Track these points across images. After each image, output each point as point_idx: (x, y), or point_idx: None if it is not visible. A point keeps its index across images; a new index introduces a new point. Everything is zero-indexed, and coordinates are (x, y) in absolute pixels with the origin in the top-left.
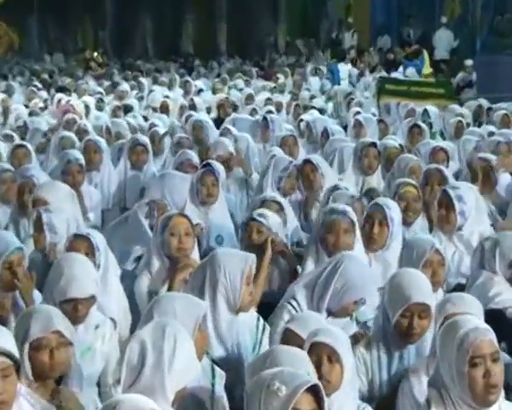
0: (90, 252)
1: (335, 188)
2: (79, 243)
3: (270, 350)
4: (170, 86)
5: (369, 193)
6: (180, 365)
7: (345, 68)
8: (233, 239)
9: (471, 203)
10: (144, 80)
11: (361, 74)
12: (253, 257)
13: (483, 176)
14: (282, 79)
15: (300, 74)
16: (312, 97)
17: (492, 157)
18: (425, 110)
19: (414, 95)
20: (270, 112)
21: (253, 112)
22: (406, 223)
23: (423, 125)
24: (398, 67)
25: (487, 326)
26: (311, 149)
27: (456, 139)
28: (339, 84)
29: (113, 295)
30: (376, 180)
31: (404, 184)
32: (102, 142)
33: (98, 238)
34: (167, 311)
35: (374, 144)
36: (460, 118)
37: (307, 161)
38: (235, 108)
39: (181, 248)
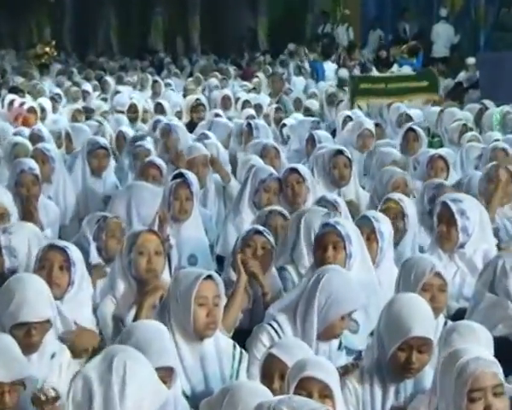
0: (65, 266)
1: (321, 200)
2: (53, 254)
3: (228, 387)
4: (137, 86)
5: (348, 207)
6: (134, 397)
7: (331, 67)
8: (208, 259)
9: (475, 218)
10: (110, 79)
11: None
12: (213, 276)
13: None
14: (260, 78)
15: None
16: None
17: None
18: (407, 115)
19: (393, 92)
20: (252, 117)
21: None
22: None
23: (419, 130)
24: (391, 65)
25: (492, 357)
26: (296, 157)
27: (459, 146)
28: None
29: (86, 317)
30: (354, 190)
31: (386, 199)
32: (53, 150)
33: (75, 253)
34: (140, 344)
35: (341, 152)
36: (464, 122)
37: (293, 170)
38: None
39: (150, 268)
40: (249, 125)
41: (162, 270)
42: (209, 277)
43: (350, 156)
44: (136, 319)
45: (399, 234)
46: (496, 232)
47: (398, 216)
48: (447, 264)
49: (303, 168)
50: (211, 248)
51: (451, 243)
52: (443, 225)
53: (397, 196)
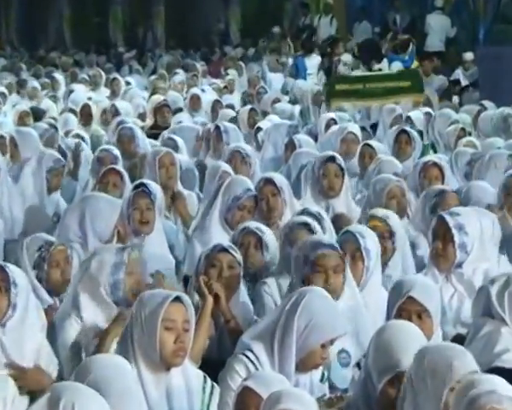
0: (3, 287)
1: (304, 213)
2: None
3: None
4: (93, 84)
5: (336, 221)
6: None
7: (313, 63)
8: (173, 277)
9: (474, 234)
10: (60, 76)
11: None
12: (182, 298)
13: None
14: (232, 75)
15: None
16: (276, 101)
17: None
18: (408, 117)
19: (372, 93)
20: (234, 119)
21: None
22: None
23: (413, 132)
24: (380, 60)
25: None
26: (271, 166)
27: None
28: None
29: (31, 344)
30: (345, 202)
31: (370, 217)
32: None
33: (17, 272)
34: (99, 383)
35: (333, 159)
36: (461, 125)
37: (268, 181)
38: (175, 112)
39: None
40: (218, 128)
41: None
42: (178, 299)
43: (342, 164)
44: (96, 351)
45: (387, 255)
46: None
47: (384, 235)
48: (443, 285)
49: (279, 178)
50: (177, 266)
51: (448, 261)
52: (438, 242)
53: (381, 212)
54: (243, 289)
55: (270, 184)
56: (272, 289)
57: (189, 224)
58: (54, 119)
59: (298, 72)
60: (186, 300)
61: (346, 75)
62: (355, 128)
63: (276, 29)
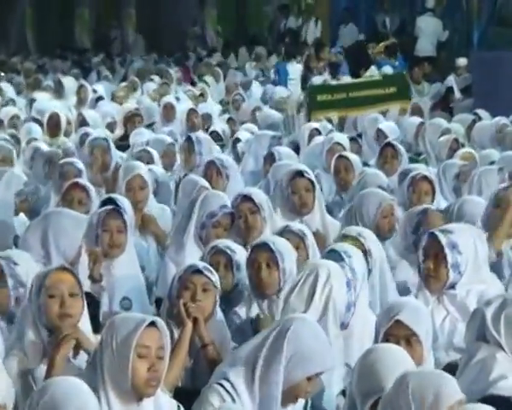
0: None
1: (285, 232)
2: None
3: None
4: (57, 92)
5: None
6: None
7: (295, 69)
8: (144, 302)
9: (468, 253)
10: (5, 86)
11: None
12: (157, 323)
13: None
14: (208, 82)
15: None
16: (256, 110)
17: None
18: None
19: (357, 102)
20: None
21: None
22: None
23: (399, 146)
24: (368, 66)
25: None
26: (252, 180)
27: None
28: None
29: None
30: (319, 219)
31: (343, 236)
32: None
33: None
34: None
35: (300, 173)
36: (454, 136)
37: (246, 198)
38: (149, 125)
39: (64, 314)
40: (189, 138)
41: (79, 315)
42: (152, 324)
43: (312, 178)
44: (47, 376)
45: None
46: (499, 269)
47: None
48: (435, 308)
49: (258, 194)
50: (149, 288)
51: (440, 282)
52: (430, 262)
53: (354, 230)
54: (220, 313)
55: (248, 200)
56: (241, 316)
57: (163, 243)
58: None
59: (279, 78)
60: (161, 325)
61: (327, 84)
62: (342, 139)
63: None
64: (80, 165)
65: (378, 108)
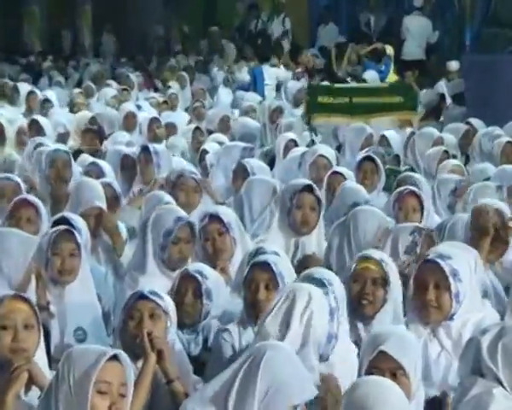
0: None
1: (258, 253)
2: None
3: None
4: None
5: (306, 262)
6: None
7: (271, 72)
8: (101, 333)
9: (467, 280)
10: None
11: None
12: (120, 357)
13: (493, 238)
14: (174, 89)
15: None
16: (225, 119)
17: (507, 210)
18: (383, 136)
19: (360, 109)
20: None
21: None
22: (365, 317)
23: (378, 160)
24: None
25: None
26: (220, 196)
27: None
28: (262, 95)
29: None
30: (316, 241)
31: (363, 258)
32: None
33: None
34: None
35: (310, 187)
36: (443, 147)
37: (213, 218)
38: (100, 128)
39: (16, 348)
40: (145, 149)
41: (34, 348)
42: (114, 357)
43: (320, 196)
44: None
45: (375, 305)
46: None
47: (377, 281)
48: (429, 342)
49: (226, 213)
50: (106, 318)
51: (442, 314)
52: (431, 292)
53: (377, 254)
54: (179, 343)
55: (216, 221)
56: (234, 337)
57: (119, 249)
58: None
59: (255, 83)
60: (124, 359)
61: (330, 86)
62: (327, 151)
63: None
64: (17, 179)
65: (383, 117)
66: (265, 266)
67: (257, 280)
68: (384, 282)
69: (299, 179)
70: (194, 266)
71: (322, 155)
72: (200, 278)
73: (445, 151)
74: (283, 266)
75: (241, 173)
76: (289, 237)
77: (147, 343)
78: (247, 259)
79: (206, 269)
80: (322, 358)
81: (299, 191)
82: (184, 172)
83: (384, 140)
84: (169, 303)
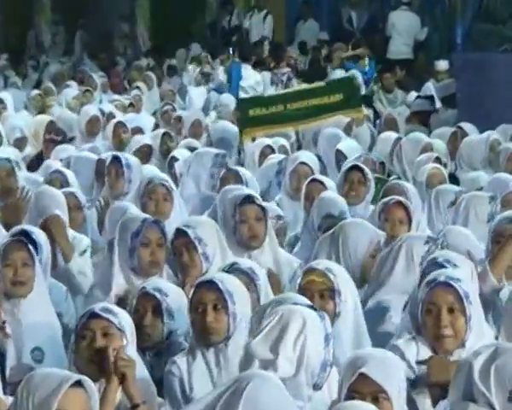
0: None
1: (233, 270)
2: None
3: None
4: None
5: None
6: None
7: (250, 73)
8: (61, 354)
9: (477, 301)
10: None
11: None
12: (83, 382)
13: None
14: (140, 90)
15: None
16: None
17: None
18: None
19: (297, 115)
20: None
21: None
22: None
23: (367, 170)
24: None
25: None
26: (192, 206)
27: (428, 189)
28: (236, 96)
29: None
30: (271, 255)
31: (308, 270)
32: None
33: None
34: None
35: (250, 198)
36: (435, 154)
37: (180, 233)
38: (64, 138)
39: None
40: (117, 160)
41: None
42: (78, 383)
43: (263, 204)
44: None
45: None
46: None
47: (324, 294)
48: None
49: (198, 226)
50: (67, 337)
51: (457, 342)
52: (444, 317)
53: (322, 264)
54: (142, 365)
55: (183, 235)
56: (182, 369)
57: (67, 258)
58: None
59: (231, 82)
60: (88, 385)
61: (260, 96)
62: (309, 158)
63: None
64: None
65: (323, 120)
66: (211, 285)
67: (203, 301)
68: (332, 293)
69: (237, 191)
70: (152, 283)
71: (303, 163)
72: (159, 295)
73: (437, 158)
74: (232, 284)
75: (231, 181)
76: (240, 253)
77: (110, 366)
78: None
79: (166, 285)
80: (316, 387)
81: (239, 205)
82: (154, 179)
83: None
84: (125, 320)
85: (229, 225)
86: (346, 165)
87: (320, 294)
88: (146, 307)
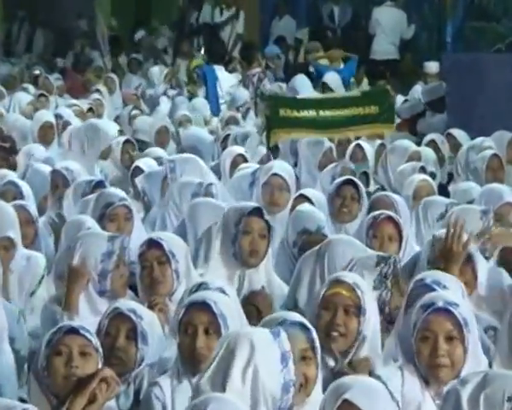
0: None
1: (202, 288)
2: None
3: None
4: None
5: (251, 300)
6: None
7: (225, 76)
8: (12, 383)
9: (475, 328)
10: None
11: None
12: None
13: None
14: (100, 93)
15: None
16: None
17: None
18: (357, 146)
19: (328, 123)
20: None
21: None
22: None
23: (361, 186)
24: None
25: None
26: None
27: (415, 202)
28: (216, 100)
29: None
30: (265, 275)
31: (334, 281)
32: None
33: None
34: None
35: (259, 211)
36: (420, 163)
37: (153, 244)
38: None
39: None
40: (57, 172)
41: None
42: None
43: (269, 222)
44: None
45: (348, 339)
46: None
47: (349, 311)
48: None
49: (171, 239)
50: (20, 365)
51: (454, 371)
52: (441, 346)
53: (350, 277)
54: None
55: (155, 247)
56: (166, 393)
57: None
58: None
59: (205, 87)
60: None
61: (292, 97)
62: (284, 169)
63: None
64: None
65: (354, 132)
66: (204, 306)
67: (194, 324)
68: (357, 311)
69: (246, 202)
70: (126, 304)
71: (276, 174)
72: (134, 317)
73: (422, 167)
74: (226, 306)
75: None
76: (233, 269)
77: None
78: (186, 296)
79: (140, 308)
80: None
81: (246, 215)
82: (113, 200)
83: (359, 152)
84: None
85: (230, 235)
86: (325, 174)
87: (345, 309)
88: (119, 328)
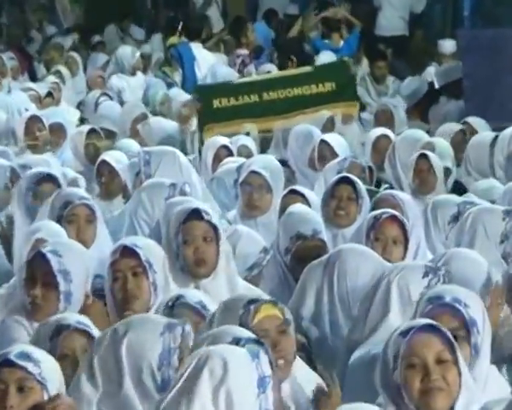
0: None
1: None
2: None
3: None
4: None
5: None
6: None
7: (204, 54)
8: None
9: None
10: None
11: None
12: None
13: None
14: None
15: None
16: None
17: None
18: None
19: (275, 108)
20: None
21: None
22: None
23: (360, 184)
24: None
25: None
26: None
27: (421, 196)
28: (194, 81)
29: None
30: (226, 283)
31: None
32: None
33: None
34: None
35: (197, 213)
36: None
37: (126, 251)
38: None
39: None
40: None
41: None
42: None
43: (215, 222)
44: None
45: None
46: None
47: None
48: None
49: (148, 247)
50: None
51: (451, 397)
52: (433, 372)
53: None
54: None
55: (130, 255)
56: None
57: None
58: None
59: (182, 67)
60: None
61: (228, 82)
62: (265, 166)
63: None
64: None
65: (309, 115)
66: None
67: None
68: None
69: (185, 204)
70: (81, 322)
71: (255, 172)
72: (89, 330)
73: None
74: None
75: None
76: (186, 283)
77: None
78: (161, 311)
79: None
80: None
81: (182, 222)
82: (73, 199)
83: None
84: (49, 369)
85: (172, 248)
86: (334, 177)
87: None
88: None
